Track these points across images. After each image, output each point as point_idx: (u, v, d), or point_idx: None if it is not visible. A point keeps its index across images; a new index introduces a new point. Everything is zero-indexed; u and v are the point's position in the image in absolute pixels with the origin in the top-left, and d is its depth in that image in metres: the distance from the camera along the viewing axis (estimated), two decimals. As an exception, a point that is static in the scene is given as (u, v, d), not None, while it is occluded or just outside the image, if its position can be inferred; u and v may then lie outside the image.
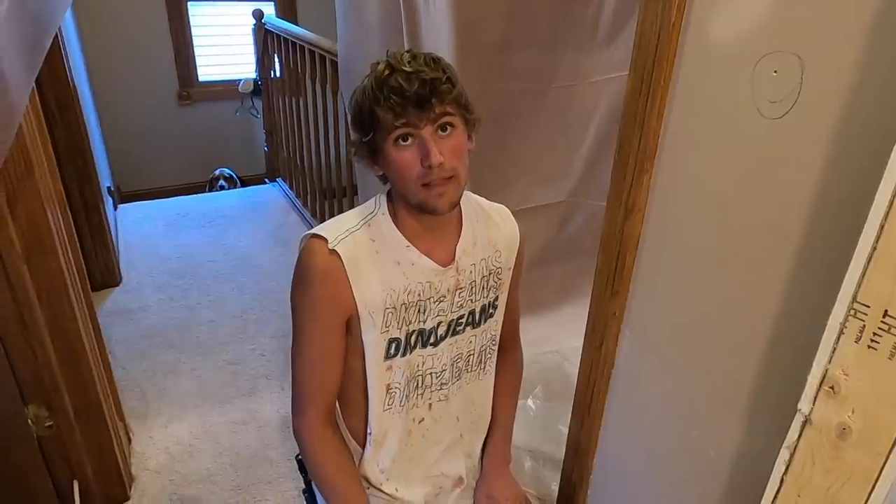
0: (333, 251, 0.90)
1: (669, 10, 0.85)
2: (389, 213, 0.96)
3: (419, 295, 0.97)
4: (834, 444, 0.67)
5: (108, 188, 3.27)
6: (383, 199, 0.97)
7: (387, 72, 0.85)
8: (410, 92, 0.83)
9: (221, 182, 4.39)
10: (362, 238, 0.94)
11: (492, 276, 1.04)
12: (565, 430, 1.32)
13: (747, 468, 0.89)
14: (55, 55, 2.25)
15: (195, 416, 2.06)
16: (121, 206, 3.61)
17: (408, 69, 0.84)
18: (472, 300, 1.03)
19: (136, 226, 3.40)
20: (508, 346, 1.18)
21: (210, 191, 4.38)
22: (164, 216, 3.53)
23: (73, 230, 1.57)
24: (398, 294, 0.95)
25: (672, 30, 0.86)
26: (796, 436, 0.70)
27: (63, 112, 2.37)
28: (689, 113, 0.89)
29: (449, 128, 0.87)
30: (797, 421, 0.70)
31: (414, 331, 0.98)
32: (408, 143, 0.86)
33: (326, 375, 0.98)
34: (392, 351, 0.98)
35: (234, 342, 2.43)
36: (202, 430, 2.00)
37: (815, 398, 0.68)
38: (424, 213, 0.91)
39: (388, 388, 1.00)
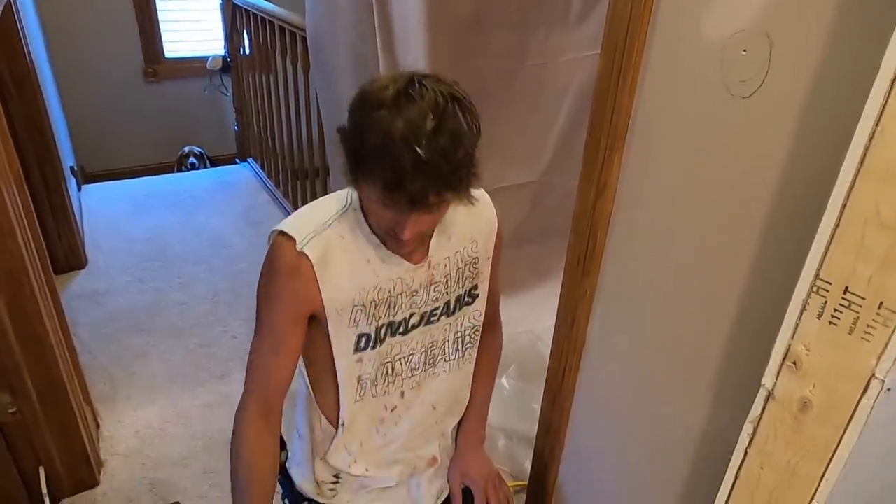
0: (301, 252, 0.88)
1: (641, -13, 0.84)
2: (361, 209, 0.92)
3: (390, 292, 0.95)
4: (795, 418, 0.68)
5: (72, 168, 3.17)
6: (355, 193, 0.93)
7: (400, 143, 0.73)
8: (415, 188, 0.75)
9: (192, 159, 4.27)
10: (332, 236, 0.91)
11: (467, 267, 1.03)
12: (538, 409, 1.33)
13: (714, 442, 0.91)
14: (10, 29, 2.16)
15: (166, 399, 2.03)
16: (85, 187, 3.51)
17: (424, 154, 0.73)
18: (447, 292, 1.02)
19: (101, 207, 3.31)
20: (488, 326, 1.16)
21: (179, 169, 4.27)
22: (132, 197, 3.44)
23: (33, 210, 1.52)
24: (368, 292, 0.94)
25: (644, 8, 0.86)
26: (760, 410, 0.72)
27: (20, 89, 2.28)
28: (661, 91, 0.89)
29: (436, 208, 0.81)
30: (761, 395, 0.71)
31: (384, 324, 0.97)
32: (389, 206, 0.80)
33: (275, 369, 0.96)
34: (362, 345, 0.97)
35: (206, 324, 2.40)
36: (173, 414, 1.97)
37: (779, 373, 0.69)
38: None
39: (360, 379, 1.00)
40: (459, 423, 1.21)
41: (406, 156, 0.73)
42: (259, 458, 0.97)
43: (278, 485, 1.14)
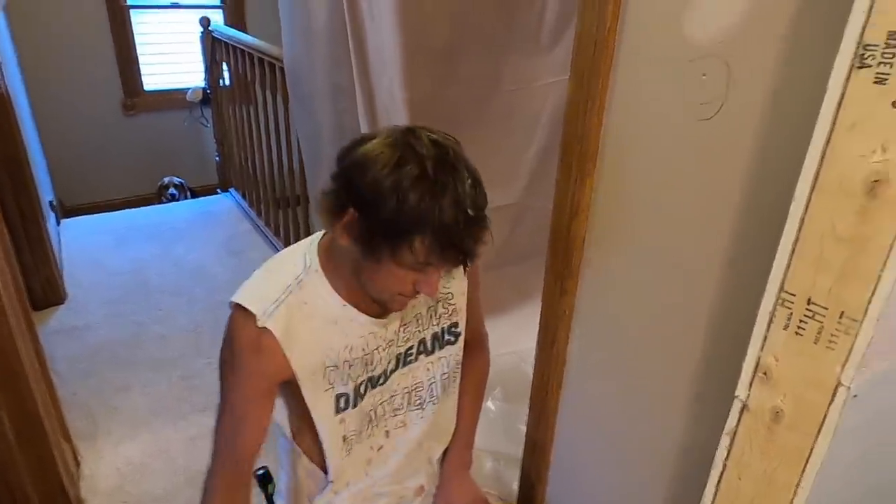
0: (264, 328, 0.85)
1: (604, 17, 0.88)
2: (322, 269, 0.90)
3: (363, 349, 0.93)
4: (769, 428, 0.70)
5: (50, 202, 3.14)
6: (314, 252, 0.91)
7: (452, 210, 0.75)
8: (467, 245, 0.78)
9: (171, 190, 4.25)
10: (294, 303, 0.87)
11: (440, 303, 1.02)
12: (525, 430, 1.34)
13: (694, 455, 0.92)
14: (-13, 64, 2.16)
15: (148, 434, 1.99)
16: (64, 221, 3.47)
17: (472, 212, 0.77)
18: (419, 330, 1.00)
19: (81, 240, 3.27)
20: (473, 347, 1.14)
21: (160, 201, 4.25)
22: (111, 230, 3.42)
23: (10, 244, 1.51)
24: (338, 352, 0.91)
25: (608, 35, 0.89)
26: (735, 421, 0.74)
27: (-3, 124, 2.28)
28: (627, 116, 0.92)
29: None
30: (735, 407, 0.73)
31: (362, 381, 0.96)
32: (422, 269, 0.81)
33: (242, 441, 0.93)
34: (342, 405, 0.95)
35: (188, 356, 2.37)
36: (156, 449, 1.94)
37: (751, 384, 0.71)
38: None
39: (345, 439, 0.98)
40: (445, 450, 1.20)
41: (460, 218, 0.76)
42: None
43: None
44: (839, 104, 0.57)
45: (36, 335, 1.61)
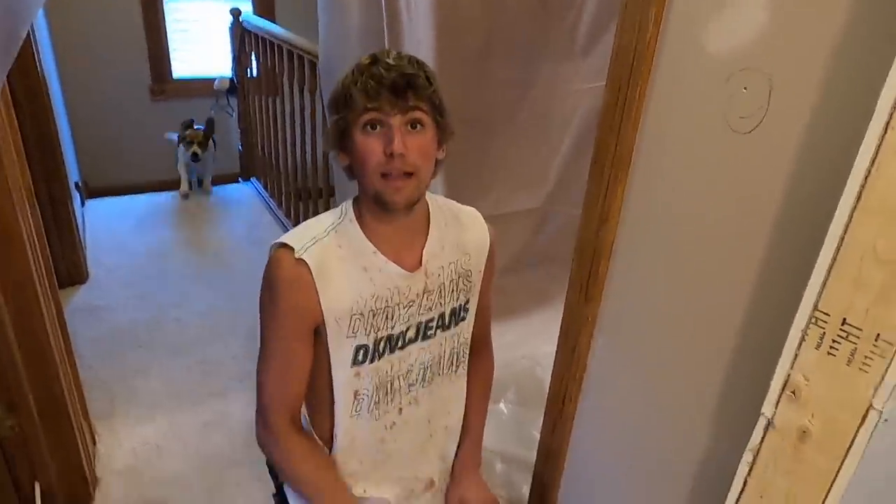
0: (300, 260, 0.90)
1: (646, 25, 0.88)
2: (356, 219, 0.96)
3: (387, 301, 0.97)
4: (795, 447, 0.70)
5: (76, 183, 3.19)
6: (350, 205, 0.98)
7: (368, 61, 0.88)
8: (388, 79, 0.85)
9: (198, 125, 3.80)
10: (330, 245, 0.94)
11: (461, 279, 1.05)
12: (537, 434, 1.34)
13: (713, 469, 0.91)
14: (24, 45, 2.19)
15: (164, 416, 2.02)
16: (89, 202, 3.53)
17: (390, 62, 0.87)
18: (441, 303, 1.03)
19: (104, 222, 3.33)
20: (480, 349, 1.18)
21: (184, 140, 3.77)
22: (135, 213, 3.47)
23: (41, 225, 1.53)
24: (366, 300, 0.95)
25: (649, 43, 0.89)
26: (759, 439, 0.73)
27: (32, 105, 2.31)
28: (664, 125, 0.91)
29: (419, 125, 0.89)
30: (760, 424, 0.73)
31: (382, 337, 0.99)
32: (375, 130, 0.88)
33: (291, 384, 0.99)
34: (360, 357, 0.98)
35: (205, 342, 2.40)
36: (171, 432, 1.96)
37: (778, 402, 0.70)
38: (385, 212, 0.92)
39: (357, 394, 1.00)
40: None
41: (380, 66, 0.86)
42: (308, 454, 1.01)
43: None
44: (887, 125, 0.56)
45: (62, 316, 1.64)
